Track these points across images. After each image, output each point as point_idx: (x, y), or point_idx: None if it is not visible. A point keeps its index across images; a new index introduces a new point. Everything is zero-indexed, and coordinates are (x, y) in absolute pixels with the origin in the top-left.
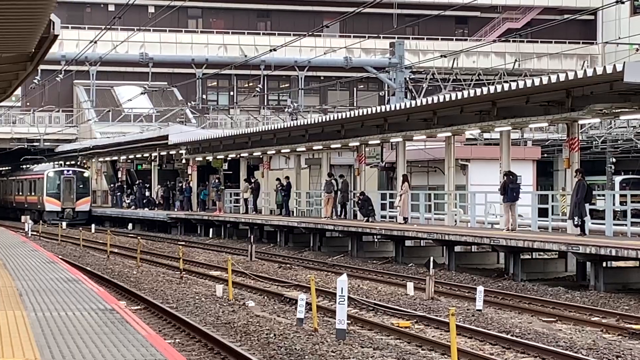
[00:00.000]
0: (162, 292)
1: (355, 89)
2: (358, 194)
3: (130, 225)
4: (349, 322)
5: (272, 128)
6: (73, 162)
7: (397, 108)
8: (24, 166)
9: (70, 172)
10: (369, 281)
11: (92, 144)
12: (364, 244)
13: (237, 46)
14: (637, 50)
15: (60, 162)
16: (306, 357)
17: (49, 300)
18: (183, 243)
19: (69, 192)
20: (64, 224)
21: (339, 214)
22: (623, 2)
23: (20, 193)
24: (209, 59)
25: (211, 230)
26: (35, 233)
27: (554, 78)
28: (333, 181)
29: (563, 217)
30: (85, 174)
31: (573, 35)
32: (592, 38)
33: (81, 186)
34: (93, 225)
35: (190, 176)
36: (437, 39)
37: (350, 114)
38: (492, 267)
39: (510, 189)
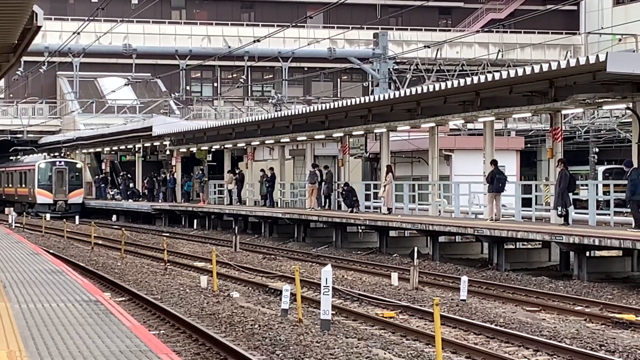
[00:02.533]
0: (147, 283)
1: (339, 79)
2: (342, 185)
3: (114, 217)
4: (334, 312)
5: (256, 119)
6: (56, 154)
7: (381, 99)
8: (14, 157)
9: (63, 163)
10: (354, 272)
11: (76, 136)
12: (348, 234)
13: (220, 37)
14: (620, 40)
15: (44, 153)
16: (291, 347)
17: (33, 291)
18: (167, 234)
19: (61, 184)
20: (48, 215)
21: (323, 204)
22: None
23: (10, 185)
24: (193, 50)
25: (195, 221)
26: (19, 225)
27: (537, 68)
28: (317, 172)
29: (547, 207)
30: (78, 165)
31: (556, 26)
32: (575, 28)
33: (74, 177)
34: (77, 217)
35: (174, 167)
36: (421, 29)
37: (334, 105)
38: (476, 257)
39: (497, 180)
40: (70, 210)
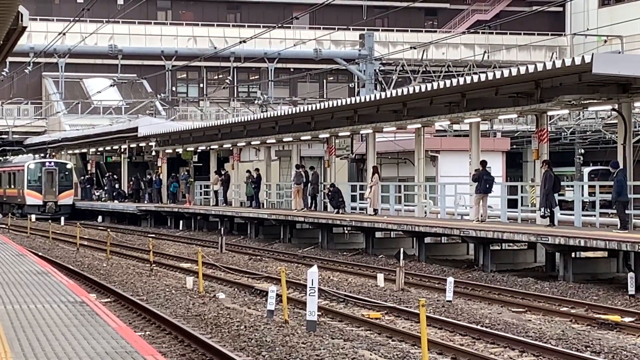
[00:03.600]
0: (132, 284)
1: (325, 80)
2: (328, 186)
3: (100, 218)
4: (320, 313)
5: (242, 120)
6: (42, 155)
7: (367, 100)
8: (2, 158)
9: (53, 163)
10: (340, 273)
11: (61, 137)
12: (334, 235)
13: (206, 38)
14: (605, 41)
15: (35, 154)
16: (277, 348)
17: (18, 293)
18: (153, 235)
19: (51, 185)
20: (33, 216)
21: (309, 205)
22: None
23: None
24: (179, 51)
25: (181, 222)
26: (3, 226)
27: (523, 69)
28: (302, 172)
29: (532, 208)
30: (68, 166)
31: (542, 27)
32: (561, 29)
33: (64, 178)
34: (62, 218)
35: (160, 168)
36: (407, 30)
37: (320, 106)
38: (462, 258)
39: (484, 181)
40: (60, 211)
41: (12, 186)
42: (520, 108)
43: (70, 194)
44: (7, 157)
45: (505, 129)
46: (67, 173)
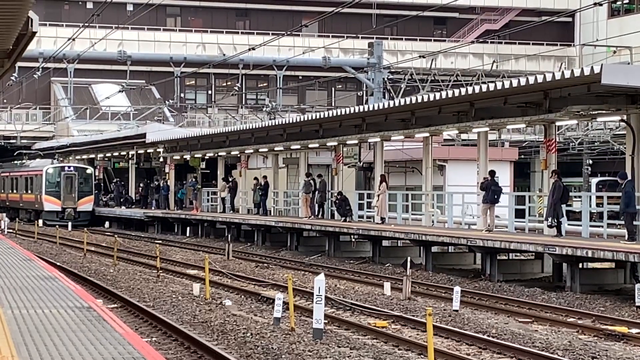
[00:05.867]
0: (139, 290)
1: (333, 88)
2: (336, 194)
3: (107, 224)
4: (326, 321)
5: (250, 127)
6: (61, 159)
7: (375, 108)
8: (18, 162)
9: (72, 168)
10: (346, 281)
11: (69, 142)
12: (342, 243)
13: (215, 45)
14: (615, 52)
15: (52, 158)
16: (283, 356)
17: (25, 297)
18: (160, 242)
19: (69, 190)
20: (40, 221)
21: (316, 213)
22: (601, 4)
23: (15, 191)
24: (188, 57)
25: (188, 229)
26: (11, 230)
27: (531, 79)
28: (311, 181)
29: (540, 218)
30: (88, 171)
31: (551, 37)
32: (570, 40)
33: (83, 183)
34: (70, 224)
35: (167, 175)
36: (416, 39)
37: (328, 114)
38: (468, 267)
39: (492, 191)
40: (79, 218)
41: (29, 191)
42: (529, 118)
43: (90, 200)
44: (24, 160)
45: (513, 139)
46: (86, 178)
